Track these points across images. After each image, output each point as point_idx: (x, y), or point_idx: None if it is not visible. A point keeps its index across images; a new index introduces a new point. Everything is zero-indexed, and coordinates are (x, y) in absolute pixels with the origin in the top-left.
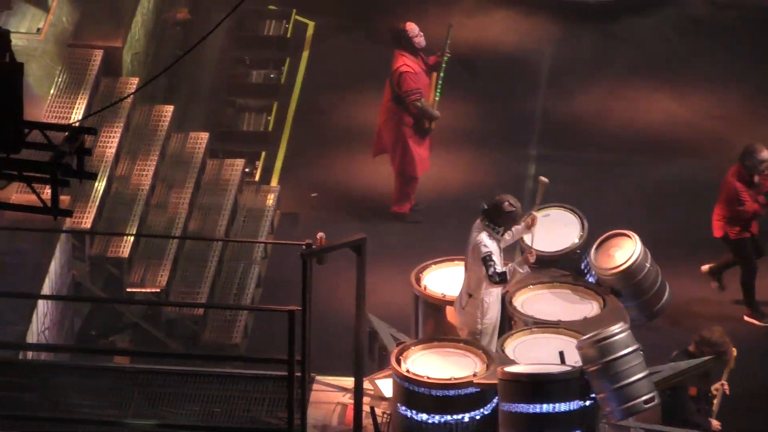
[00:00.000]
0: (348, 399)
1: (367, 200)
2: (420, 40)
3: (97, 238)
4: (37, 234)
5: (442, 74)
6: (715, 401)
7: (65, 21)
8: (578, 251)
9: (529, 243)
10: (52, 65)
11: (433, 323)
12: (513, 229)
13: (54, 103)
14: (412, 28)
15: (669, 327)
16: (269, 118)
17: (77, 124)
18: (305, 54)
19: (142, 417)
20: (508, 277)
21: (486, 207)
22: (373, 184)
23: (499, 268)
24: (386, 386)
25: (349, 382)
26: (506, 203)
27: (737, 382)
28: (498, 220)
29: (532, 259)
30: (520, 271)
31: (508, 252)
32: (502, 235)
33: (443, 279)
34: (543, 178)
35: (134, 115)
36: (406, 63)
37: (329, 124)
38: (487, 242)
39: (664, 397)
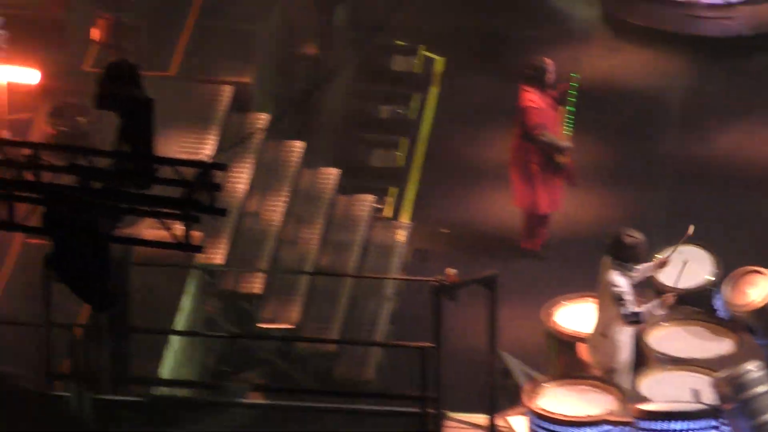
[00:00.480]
0: None
1: (498, 236)
2: (552, 77)
3: (230, 274)
4: (169, 270)
5: (570, 108)
6: None
7: (195, 56)
8: (711, 288)
9: (664, 282)
10: (181, 101)
11: (565, 360)
12: (642, 266)
13: (184, 139)
14: (549, 63)
15: None
16: (399, 153)
17: (208, 160)
18: (434, 89)
19: None
20: (643, 318)
21: (608, 242)
22: (503, 219)
23: (634, 309)
24: (519, 423)
25: (481, 419)
26: (627, 236)
27: None
28: (622, 255)
29: (670, 302)
30: (657, 313)
31: (642, 288)
32: (632, 270)
33: (575, 316)
34: (690, 229)
35: (265, 151)
36: (531, 98)
37: (459, 160)
38: (618, 281)
39: None
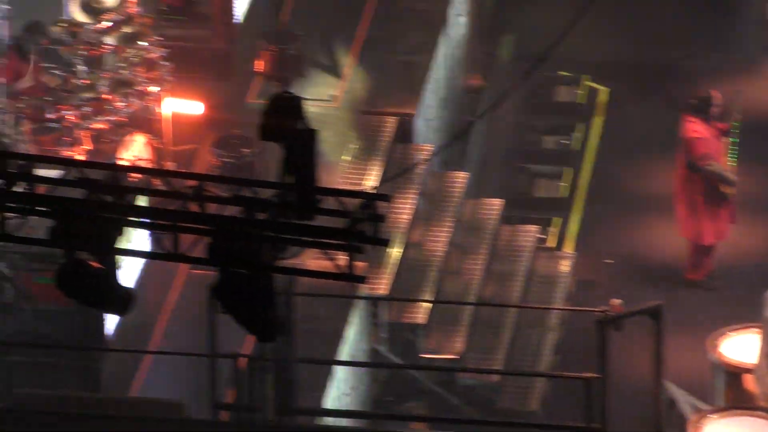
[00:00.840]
0: None
1: (663, 266)
2: (718, 110)
3: (394, 304)
4: (333, 300)
5: (734, 140)
6: None
7: (359, 88)
8: None
9: None
10: (346, 132)
11: (731, 391)
12: None
13: (348, 170)
14: (716, 96)
15: None
16: (563, 184)
17: (372, 191)
18: (598, 120)
19: None
20: None
21: None
22: (668, 250)
23: None
24: None
25: None
26: None
27: None
28: None
29: None
30: None
31: None
32: None
33: (741, 346)
34: None
35: (428, 182)
36: (696, 129)
37: (623, 190)
38: None
39: None
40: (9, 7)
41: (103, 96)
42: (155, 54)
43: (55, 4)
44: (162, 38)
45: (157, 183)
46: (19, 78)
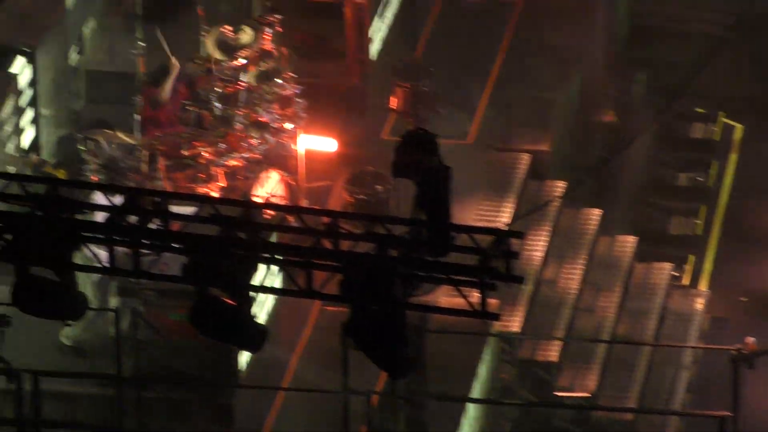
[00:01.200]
0: None
1: None
2: None
3: (526, 342)
4: (465, 337)
5: None
6: None
7: (492, 125)
8: None
9: None
10: (479, 169)
11: None
12: None
13: (481, 207)
14: None
15: None
16: (697, 221)
17: (504, 228)
18: (733, 157)
19: None
20: None
21: None
22: None
23: None
24: None
25: None
26: None
27: None
28: None
29: None
30: None
31: None
32: None
33: None
34: None
35: (561, 219)
36: None
37: (758, 228)
38: None
39: None
40: (144, 44)
41: (238, 133)
42: (289, 91)
43: (191, 41)
44: (296, 75)
45: (291, 220)
46: (157, 119)
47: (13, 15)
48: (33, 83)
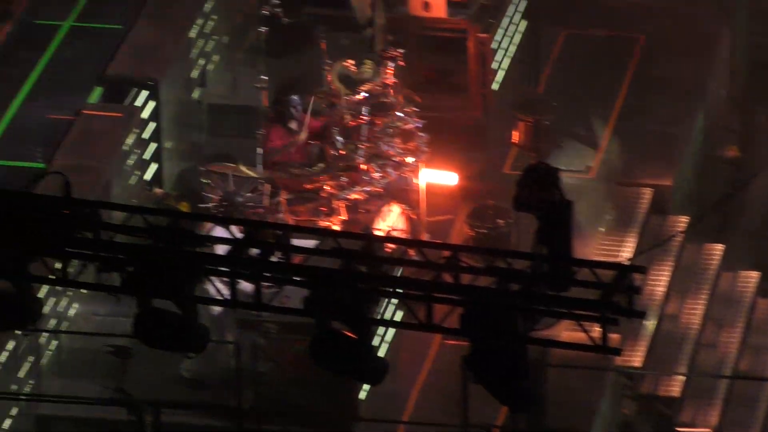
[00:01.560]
0: None
1: None
2: None
3: (648, 377)
4: (586, 372)
5: None
6: None
7: (615, 159)
8: None
9: None
10: (601, 203)
11: None
12: None
13: (603, 241)
14: None
15: None
16: None
17: (626, 263)
18: None
19: None
20: None
21: None
22: None
23: None
24: None
25: None
26: None
27: None
28: None
29: None
30: None
31: None
32: None
33: None
34: None
35: (683, 254)
36: None
37: None
38: None
39: None
40: (266, 77)
41: (360, 166)
42: (411, 125)
43: (313, 74)
44: (418, 109)
45: (412, 253)
46: (276, 145)
47: (136, 48)
48: (156, 116)
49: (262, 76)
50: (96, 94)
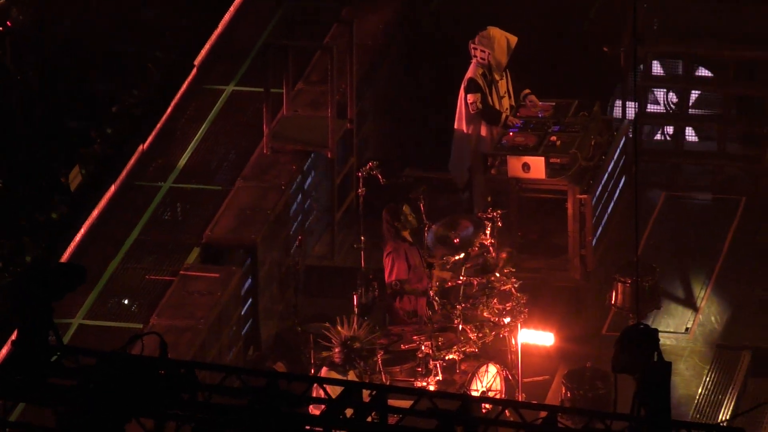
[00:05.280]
0: None
1: None
2: None
3: None
4: None
5: None
6: None
7: (714, 321)
8: None
9: None
10: (700, 365)
11: None
12: None
13: (701, 403)
14: None
15: None
16: None
17: (725, 425)
18: None
19: None
20: None
21: None
22: None
23: None
24: None
25: None
26: None
27: None
28: None
29: None
30: None
31: None
32: None
33: None
34: None
35: None
36: None
37: None
38: None
39: None
40: (364, 239)
41: (457, 327)
42: (509, 285)
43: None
44: (516, 270)
45: (508, 414)
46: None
47: (235, 211)
48: (254, 277)
49: (361, 237)
50: (194, 255)
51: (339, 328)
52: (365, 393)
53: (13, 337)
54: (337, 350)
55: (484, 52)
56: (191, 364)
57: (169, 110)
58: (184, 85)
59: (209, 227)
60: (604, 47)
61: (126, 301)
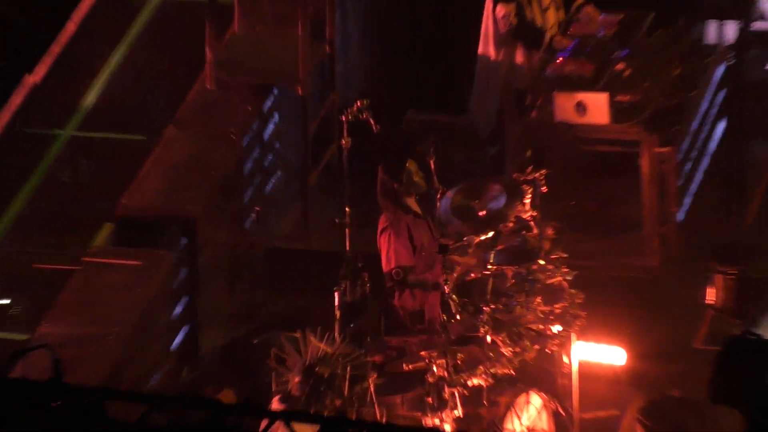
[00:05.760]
0: None
1: None
2: None
3: None
4: None
5: None
6: None
7: None
8: None
9: None
10: None
11: None
12: None
13: None
14: None
15: None
16: None
17: None
18: None
19: None
20: None
21: None
22: None
23: None
24: None
25: None
26: None
27: None
28: None
29: None
30: None
31: None
32: None
33: None
34: None
35: None
36: None
37: None
38: None
39: None
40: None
41: (483, 338)
42: (558, 278)
43: None
44: (568, 256)
45: None
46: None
47: (165, 170)
48: (192, 264)
49: (346, 208)
50: (104, 234)
51: (307, 341)
52: None
53: None
54: (296, 379)
55: None
56: (99, 392)
57: (70, 26)
58: None
59: (127, 194)
60: None
61: (5, 301)
